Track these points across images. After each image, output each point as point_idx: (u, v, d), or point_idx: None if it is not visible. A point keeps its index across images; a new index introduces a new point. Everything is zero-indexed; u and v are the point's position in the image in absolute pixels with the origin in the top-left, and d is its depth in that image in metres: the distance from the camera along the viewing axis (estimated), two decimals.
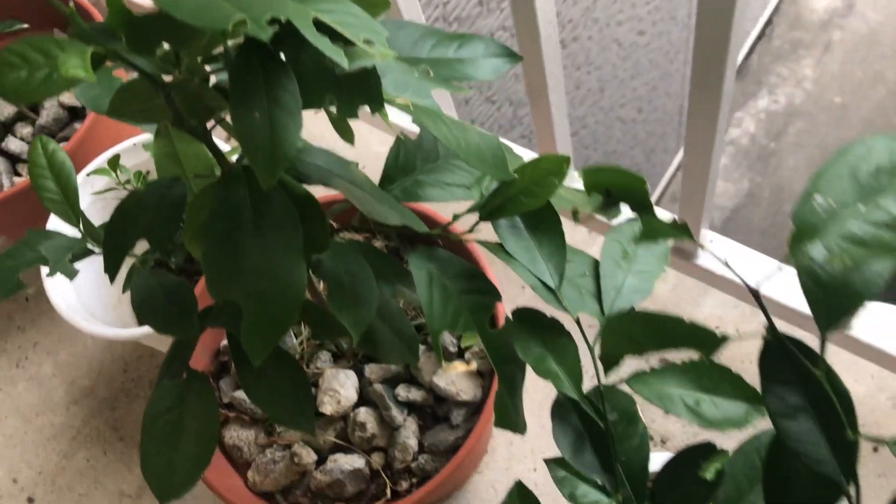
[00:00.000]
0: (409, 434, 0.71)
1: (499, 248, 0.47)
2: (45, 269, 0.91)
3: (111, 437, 0.99)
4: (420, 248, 0.50)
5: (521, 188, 0.46)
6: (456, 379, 0.72)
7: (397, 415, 0.72)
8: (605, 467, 0.44)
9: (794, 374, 0.34)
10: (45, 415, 1.02)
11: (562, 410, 0.46)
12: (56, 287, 0.88)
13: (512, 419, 0.52)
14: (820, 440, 0.33)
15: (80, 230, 0.53)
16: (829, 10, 3.67)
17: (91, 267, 0.94)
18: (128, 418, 1.00)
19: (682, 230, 0.37)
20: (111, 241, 0.47)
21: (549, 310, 0.48)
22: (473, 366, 0.72)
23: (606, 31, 2.12)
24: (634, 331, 0.33)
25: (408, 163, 0.52)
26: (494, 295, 0.50)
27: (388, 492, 0.70)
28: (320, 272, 0.51)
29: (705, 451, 0.43)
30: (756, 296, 0.35)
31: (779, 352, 0.34)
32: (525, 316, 0.47)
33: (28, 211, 0.97)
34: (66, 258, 0.51)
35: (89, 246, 0.53)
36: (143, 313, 0.52)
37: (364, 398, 0.74)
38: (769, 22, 3.77)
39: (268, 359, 0.58)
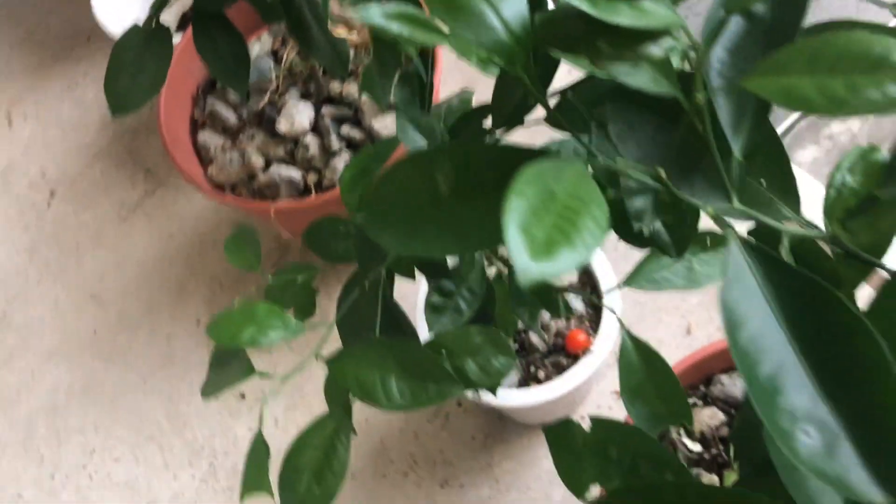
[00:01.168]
0: (341, 161, 0.84)
1: None
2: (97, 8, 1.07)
3: (126, 159, 1.16)
4: None
5: None
6: (389, 123, 0.84)
7: (335, 143, 0.85)
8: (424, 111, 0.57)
9: None
10: (79, 130, 1.19)
11: (407, 77, 0.58)
12: (106, 15, 1.05)
13: (377, 92, 0.64)
14: None
15: None
16: None
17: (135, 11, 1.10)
18: (144, 148, 1.16)
19: None
20: None
21: None
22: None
23: None
24: None
25: None
26: None
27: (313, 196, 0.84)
28: None
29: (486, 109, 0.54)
30: None
31: None
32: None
33: None
34: None
35: None
36: None
37: (315, 130, 0.87)
38: None
39: (220, 32, 0.71)
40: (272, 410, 0.97)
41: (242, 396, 0.98)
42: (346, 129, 0.85)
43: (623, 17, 0.23)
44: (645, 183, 0.33)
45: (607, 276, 0.74)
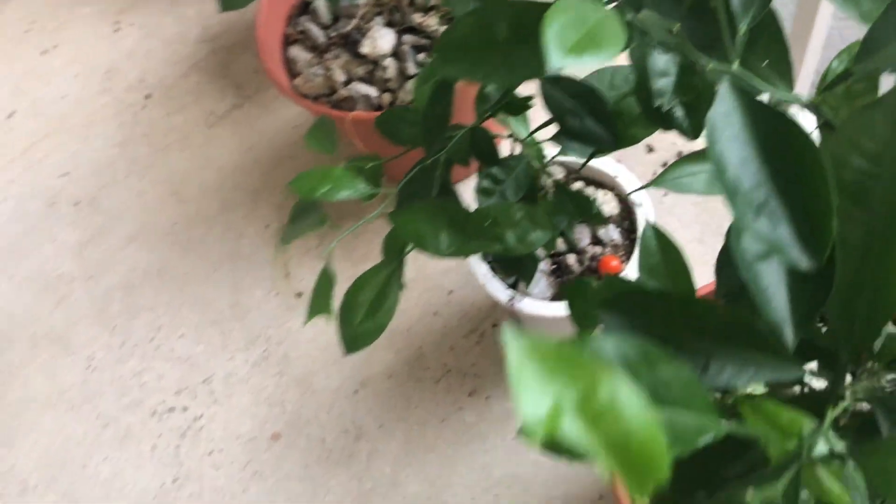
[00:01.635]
0: None
1: None
2: None
3: (219, 73, 1.26)
4: None
5: None
6: None
7: (412, 68, 0.93)
8: None
9: None
10: (178, 43, 1.29)
11: None
12: None
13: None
14: None
15: None
16: None
17: None
18: (236, 65, 1.26)
19: None
20: None
21: None
22: None
23: None
24: None
25: None
26: None
27: None
28: None
29: None
30: None
31: None
32: None
33: None
34: None
35: None
36: None
37: (395, 56, 0.95)
38: None
39: None
40: None
41: (299, 295, 1.07)
42: (423, 57, 0.93)
43: None
44: (667, 69, 0.40)
45: (646, 206, 0.81)
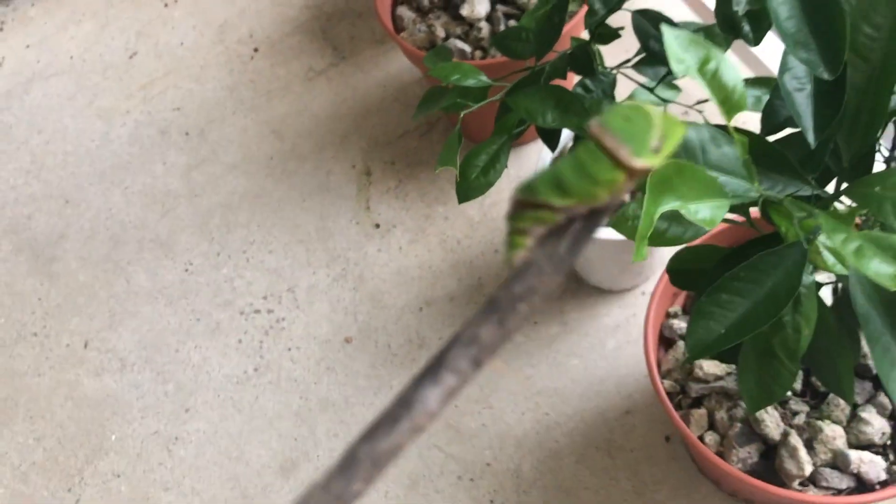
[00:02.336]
0: None
1: None
2: None
3: (319, 35, 1.43)
4: None
5: None
6: None
7: (501, 19, 1.09)
8: None
9: None
10: (285, 6, 1.46)
11: None
12: None
13: None
14: None
15: None
16: None
17: None
18: (335, 30, 1.43)
19: None
20: None
21: None
22: None
23: None
24: None
25: None
26: None
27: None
28: None
29: None
30: None
31: None
32: None
33: None
34: None
35: None
36: None
37: (489, 20, 1.11)
38: None
39: None
40: (398, 241, 1.21)
41: (377, 226, 1.23)
42: (513, 24, 1.09)
43: None
44: None
45: None
